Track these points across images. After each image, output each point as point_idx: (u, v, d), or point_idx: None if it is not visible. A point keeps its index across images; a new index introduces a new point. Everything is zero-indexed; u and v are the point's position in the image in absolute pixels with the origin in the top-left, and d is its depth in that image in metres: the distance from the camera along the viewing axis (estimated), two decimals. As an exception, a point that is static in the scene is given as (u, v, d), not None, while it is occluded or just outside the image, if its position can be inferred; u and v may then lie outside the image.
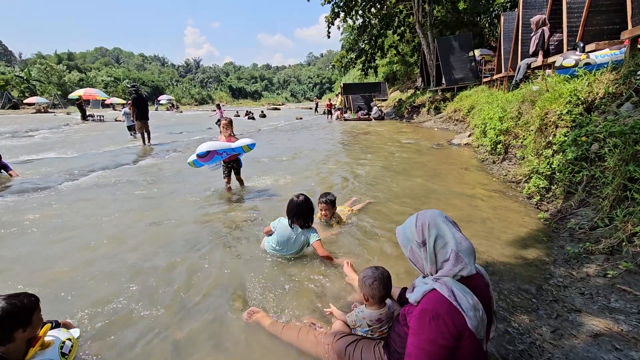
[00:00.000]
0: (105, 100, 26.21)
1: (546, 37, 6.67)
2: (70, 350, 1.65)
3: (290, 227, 2.77)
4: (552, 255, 2.72)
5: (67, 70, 61.97)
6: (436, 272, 1.32)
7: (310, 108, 37.11)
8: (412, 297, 1.32)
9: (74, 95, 26.04)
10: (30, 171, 6.47)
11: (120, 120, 15.63)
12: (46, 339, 1.60)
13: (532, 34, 7.01)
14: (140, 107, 10.18)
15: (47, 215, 4.00)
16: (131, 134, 12.49)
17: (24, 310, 1.48)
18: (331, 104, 22.88)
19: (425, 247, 1.32)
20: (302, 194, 2.83)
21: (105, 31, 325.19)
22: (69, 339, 1.70)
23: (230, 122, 4.89)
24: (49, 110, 37.59)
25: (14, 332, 1.45)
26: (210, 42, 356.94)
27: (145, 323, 2.07)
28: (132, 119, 10.45)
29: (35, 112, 33.67)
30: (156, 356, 1.81)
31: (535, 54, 6.91)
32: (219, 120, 15.24)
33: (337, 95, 32.01)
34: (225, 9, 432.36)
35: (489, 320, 1.33)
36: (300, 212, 2.75)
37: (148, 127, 10.41)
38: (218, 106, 17.79)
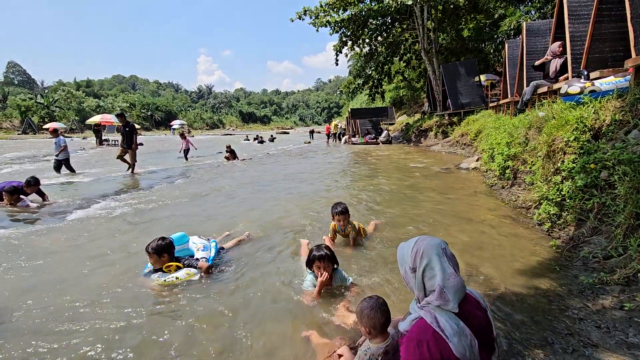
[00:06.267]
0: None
1: (551, 66, 6.77)
2: (187, 275, 2.96)
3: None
4: (565, 285, 2.65)
5: (85, 95, 64.78)
6: (424, 298, 1.36)
7: (319, 132, 37.21)
8: (402, 326, 1.36)
9: (92, 120, 27.17)
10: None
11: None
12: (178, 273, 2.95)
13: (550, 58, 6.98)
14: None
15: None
16: (68, 171, 10.58)
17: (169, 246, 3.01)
18: (329, 129, 23.80)
19: (415, 274, 1.36)
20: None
21: (123, 60, 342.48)
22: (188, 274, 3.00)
23: None
24: (66, 135, 38.99)
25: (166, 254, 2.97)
26: (222, 69, 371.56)
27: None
28: (136, 145, 10.00)
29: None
30: None
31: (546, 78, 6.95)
32: (187, 152, 13.09)
33: (334, 121, 32.97)
34: (237, 38, 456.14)
35: (490, 347, 1.32)
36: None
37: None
38: (182, 135, 13.51)
